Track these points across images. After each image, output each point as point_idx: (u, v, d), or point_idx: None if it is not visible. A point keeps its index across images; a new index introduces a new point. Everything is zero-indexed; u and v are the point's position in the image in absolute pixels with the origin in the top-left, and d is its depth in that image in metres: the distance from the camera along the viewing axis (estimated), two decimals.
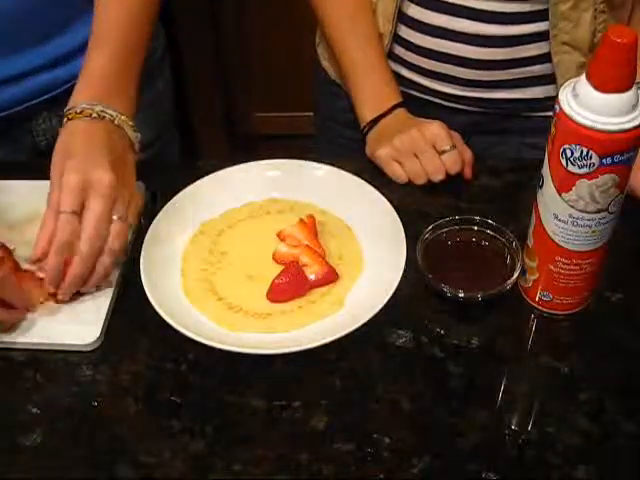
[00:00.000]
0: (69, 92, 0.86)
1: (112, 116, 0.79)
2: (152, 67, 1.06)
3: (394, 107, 0.93)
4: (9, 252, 0.80)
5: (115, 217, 0.75)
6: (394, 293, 0.73)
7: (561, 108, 0.63)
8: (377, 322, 0.72)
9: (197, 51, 1.90)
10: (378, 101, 0.94)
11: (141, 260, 0.77)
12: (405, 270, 0.75)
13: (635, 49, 0.58)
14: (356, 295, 0.77)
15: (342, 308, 0.76)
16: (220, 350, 0.70)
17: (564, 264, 0.71)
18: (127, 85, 0.84)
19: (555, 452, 0.66)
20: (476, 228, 0.79)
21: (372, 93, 0.95)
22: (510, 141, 1.04)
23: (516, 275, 0.74)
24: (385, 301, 0.73)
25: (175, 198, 0.84)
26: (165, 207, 0.83)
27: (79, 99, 0.81)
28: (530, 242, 0.73)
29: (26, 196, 0.87)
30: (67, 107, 0.81)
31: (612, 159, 0.62)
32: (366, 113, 0.94)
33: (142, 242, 0.79)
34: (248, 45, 1.95)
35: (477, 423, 0.68)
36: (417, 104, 0.99)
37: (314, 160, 0.89)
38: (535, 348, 0.74)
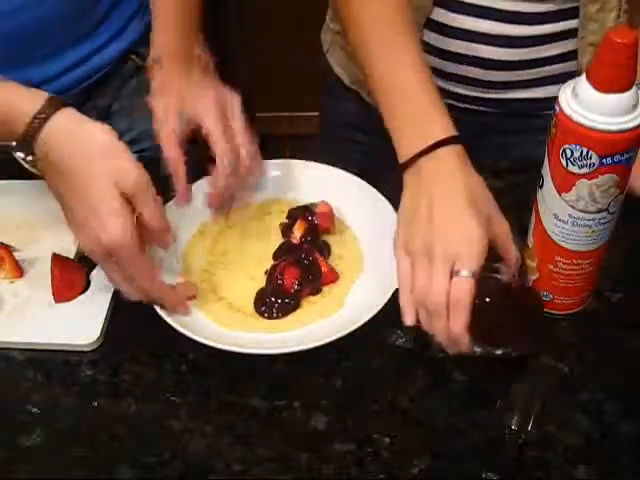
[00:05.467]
0: (97, 82, 0.95)
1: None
2: None
3: (437, 145, 0.69)
4: (9, 252, 0.80)
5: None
6: (394, 293, 0.73)
7: (561, 108, 0.63)
8: (377, 322, 0.72)
9: None
10: (417, 132, 0.71)
11: None
12: None
13: (635, 49, 0.58)
14: (356, 295, 0.77)
15: (342, 308, 0.76)
16: (220, 350, 0.70)
17: (564, 264, 0.71)
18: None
19: (555, 452, 0.66)
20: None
21: (411, 120, 0.72)
22: (527, 140, 0.97)
23: None
24: (385, 301, 0.72)
25: (175, 198, 0.84)
26: (165, 207, 0.82)
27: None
28: (530, 242, 0.73)
29: (35, 196, 0.87)
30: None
31: (612, 159, 0.62)
32: (403, 145, 0.72)
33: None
34: (248, 45, 1.95)
35: (477, 423, 0.68)
36: None
37: (314, 160, 0.89)
38: None
